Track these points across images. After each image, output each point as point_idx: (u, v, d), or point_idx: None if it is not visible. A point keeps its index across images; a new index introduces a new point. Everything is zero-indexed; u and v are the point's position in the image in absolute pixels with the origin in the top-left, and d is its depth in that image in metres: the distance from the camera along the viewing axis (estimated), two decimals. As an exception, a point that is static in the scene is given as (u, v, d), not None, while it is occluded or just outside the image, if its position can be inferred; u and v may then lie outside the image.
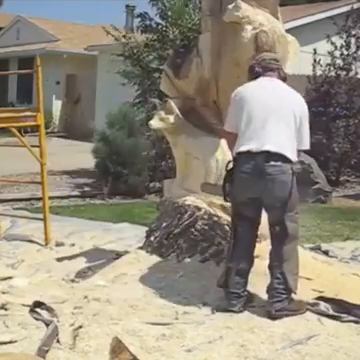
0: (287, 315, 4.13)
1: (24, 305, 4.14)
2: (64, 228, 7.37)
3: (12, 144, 8.80)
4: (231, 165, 4.39)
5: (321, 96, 12.67)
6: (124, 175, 11.30)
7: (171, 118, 5.30)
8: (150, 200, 10.56)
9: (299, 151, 4.41)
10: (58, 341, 3.58)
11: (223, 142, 5.16)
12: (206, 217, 5.02)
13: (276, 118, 4.26)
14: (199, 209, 5.05)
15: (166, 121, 5.32)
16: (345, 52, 13.09)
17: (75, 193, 11.53)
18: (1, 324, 3.82)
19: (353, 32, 13.12)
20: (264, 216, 4.45)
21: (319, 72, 12.93)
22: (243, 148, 4.23)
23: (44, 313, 4.00)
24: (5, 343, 3.54)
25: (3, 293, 4.49)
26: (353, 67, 13.14)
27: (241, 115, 4.30)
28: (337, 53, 13.07)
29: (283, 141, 4.23)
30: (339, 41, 13.06)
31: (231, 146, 4.48)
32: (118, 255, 5.53)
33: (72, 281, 5.00)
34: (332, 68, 13.02)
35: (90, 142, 12.98)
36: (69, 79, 25.01)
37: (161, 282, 4.72)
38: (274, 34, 4.89)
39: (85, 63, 23.19)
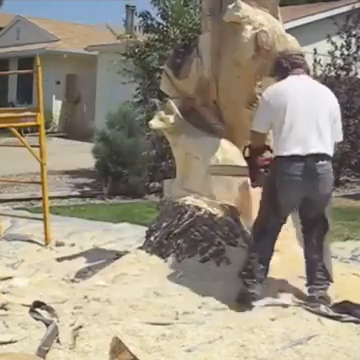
0: (325, 303, 4.34)
1: (24, 305, 4.14)
2: (64, 228, 7.37)
3: (12, 144, 8.81)
4: (247, 153, 4.61)
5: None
6: (124, 175, 11.30)
7: (171, 118, 5.30)
8: (150, 200, 10.56)
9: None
10: (58, 341, 3.57)
11: (223, 142, 5.17)
12: (206, 217, 5.02)
13: (317, 119, 4.38)
14: (199, 209, 5.05)
15: (166, 121, 5.31)
16: (345, 52, 13.10)
17: (75, 193, 11.53)
18: (1, 324, 3.82)
19: (353, 32, 13.12)
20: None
21: (319, 72, 12.94)
22: (289, 152, 4.32)
23: (44, 313, 4.00)
24: (5, 343, 3.54)
25: (3, 293, 4.49)
26: (353, 67, 13.15)
27: (282, 118, 4.35)
28: (337, 53, 13.08)
29: (326, 140, 4.39)
30: (339, 41, 13.06)
31: (257, 144, 4.59)
32: (118, 255, 5.53)
33: (72, 281, 5.00)
34: (332, 68, 13.03)
35: (90, 142, 12.97)
36: (69, 79, 25.03)
37: (161, 282, 4.72)
38: (274, 34, 4.89)
39: (85, 63, 23.19)
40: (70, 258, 5.82)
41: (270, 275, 4.49)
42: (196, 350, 3.58)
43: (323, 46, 13.38)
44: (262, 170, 4.56)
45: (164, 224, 5.16)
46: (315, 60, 12.97)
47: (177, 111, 5.29)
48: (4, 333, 3.69)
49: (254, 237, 4.55)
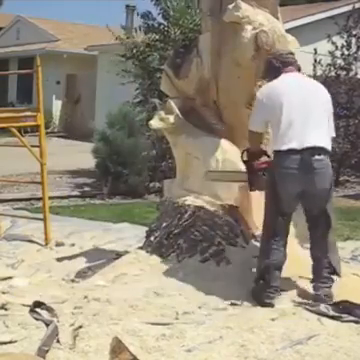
0: (330, 301, 4.36)
1: (24, 305, 4.14)
2: (64, 228, 7.37)
3: (12, 144, 8.80)
4: (245, 157, 4.65)
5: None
6: (124, 175, 11.30)
7: (171, 118, 5.30)
8: (150, 200, 10.55)
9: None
10: (58, 341, 3.57)
11: (223, 142, 5.17)
12: (206, 217, 5.02)
13: (313, 114, 4.42)
14: (199, 209, 5.05)
15: (166, 121, 5.32)
16: (346, 52, 13.09)
17: (75, 193, 11.53)
18: (1, 324, 3.82)
19: (354, 32, 13.11)
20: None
21: (319, 72, 12.94)
22: (287, 146, 4.35)
23: (44, 313, 4.00)
24: (5, 343, 3.54)
25: (3, 293, 4.49)
26: (353, 67, 13.14)
27: (278, 117, 4.39)
28: (338, 53, 13.07)
29: (323, 135, 4.43)
30: (340, 41, 13.06)
31: (255, 144, 4.65)
32: (118, 255, 5.53)
33: (72, 281, 5.00)
34: (332, 68, 13.02)
35: (90, 142, 12.97)
36: (69, 79, 25.02)
37: (161, 282, 4.72)
38: (274, 34, 4.89)
39: (85, 63, 23.19)
40: (70, 258, 5.82)
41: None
42: (196, 350, 3.58)
43: (323, 46, 13.38)
44: (260, 173, 4.59)
45: (164, 224, 5.16)
46: (315, 60, 12.98)
47: (177, 111, 5.29)
48: (4, 333, 3.69)
49: (265, 242, 4.52)
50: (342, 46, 13.04)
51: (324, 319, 4.15)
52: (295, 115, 4.39)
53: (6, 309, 4.11)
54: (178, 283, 4.70)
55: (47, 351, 3.42)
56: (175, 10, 12.16)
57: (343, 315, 4.18)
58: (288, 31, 5.31)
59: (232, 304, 4.36)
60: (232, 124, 5.24)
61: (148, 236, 5.29)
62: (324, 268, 4.49)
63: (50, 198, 7.68)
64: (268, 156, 4.64)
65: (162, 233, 5.13)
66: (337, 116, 12.88)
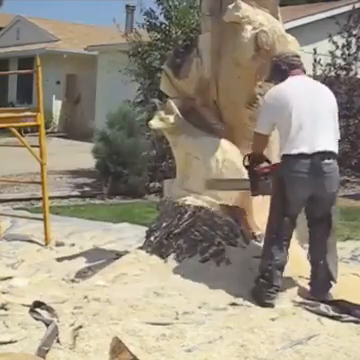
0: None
1: (24, 305, 4.14)
2: (64, 228, 7.37)
3: (12, 144, 8.81)
4: (247, 161, 4.65)
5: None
6: (124, 175, 11.30)
7: (171, 118, 5.30)
8: (150, 200, 10.56)
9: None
10: (58, 341, 3.57)
11: (223, 142, 5.17)
12: (206, 217, 5.02)
13: (321, 118, 4.44)
14: (199, 209, 5.04)
15: (166, 121, 5.31)
16: (346, 52, 13.09)
17: (75, 193, 11.53)
18: (1, 324, 3.82)
19: (354, 32, 13.12)
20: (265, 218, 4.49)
21: (319, 72, 12.94)
22: (297, 150, 4.35)
23: (44, 313, 3.99)
24: (5, 343, 3.54)
25: (3, 293, 4.48)
26: (353, 67, 13.15)
27: (288, 120, 4.39)
28: (338, 53, 13.07)
29: (331, 138, 4.46)
30: (340, 41, 13.06)
31: (259, 146, 4.63)
32: (118, 255, 5.53)
33: (72, 281, 5.00)
34: (332, 68, 13.02)
35: (90, 142, 12.97)
36: (69, 79, 25.02)
37: (161, 282, 4.72)
38: (274, 34, 4.89)
39: (85, 63, 23.19)
40: (70, 258, 5.82)
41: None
42: (196, 350, 3.58)
43: (323, 46, 13.38)
44: (262, 178, 4.58)
45: (164, 224, 5.16)
46: (315, 60, 12.98)
47: (177, 111, 5.29)
48: (4, 333, 3.69)
49: (268, 243, 4.53)
50: (343, 46, 13.04)
51: (324, 319, 4.16)
52: (304, 119, 4.39)
53: (6, 309, 4.11)
54: (178, 283, 4.69)
55: (47, 351, 3.42)
56: (177, 10, 12.17)
57: (343, 315, 4.19)
58: (288, 31, 5.31)
59: (232, 304, 4.36)
60: (232, 124, 5.24)
61: (148, 236, 5.29)
62: (321, 270, 4.49)
63: (50, 198, 7.68)
64: (269, 162, 4.64)
65: (162, 233, 5.13)
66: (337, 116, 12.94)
